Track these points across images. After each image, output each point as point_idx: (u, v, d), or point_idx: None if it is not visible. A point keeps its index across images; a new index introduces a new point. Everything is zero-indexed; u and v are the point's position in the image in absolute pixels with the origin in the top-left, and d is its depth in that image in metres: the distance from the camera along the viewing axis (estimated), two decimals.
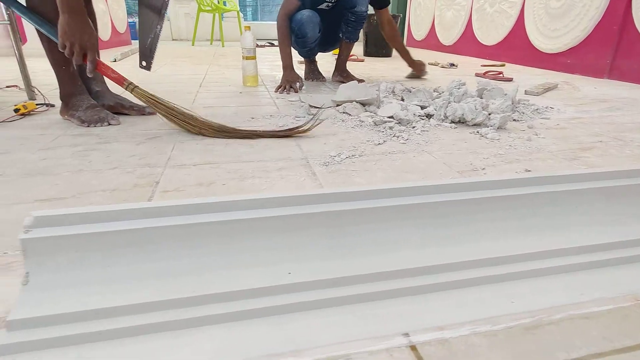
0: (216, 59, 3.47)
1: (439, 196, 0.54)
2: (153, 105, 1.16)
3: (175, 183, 0.83)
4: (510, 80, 2.35)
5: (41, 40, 1.14)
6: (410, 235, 0.51)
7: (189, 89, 1.95)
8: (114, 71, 1.15)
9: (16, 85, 1.74)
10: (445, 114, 1.33)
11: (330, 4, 2.02)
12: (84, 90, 1.25)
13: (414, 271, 0.49)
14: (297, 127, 1.15)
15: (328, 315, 0.45)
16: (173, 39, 6.11)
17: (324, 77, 2.30)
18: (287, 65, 1.97)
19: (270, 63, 3.15)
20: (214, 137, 1.14)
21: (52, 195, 0.75)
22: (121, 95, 1.39)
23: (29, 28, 3.03)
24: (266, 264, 0.49)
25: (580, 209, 0.59)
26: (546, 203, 0.58)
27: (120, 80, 1.15)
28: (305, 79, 2.30)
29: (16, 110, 1.30)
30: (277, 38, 2.00)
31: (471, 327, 0.44)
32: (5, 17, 1.48)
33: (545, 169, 0.94)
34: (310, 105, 1.50)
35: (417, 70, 2.37)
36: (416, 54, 4.35)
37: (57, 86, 1.23)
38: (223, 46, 4.88)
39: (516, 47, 3.26)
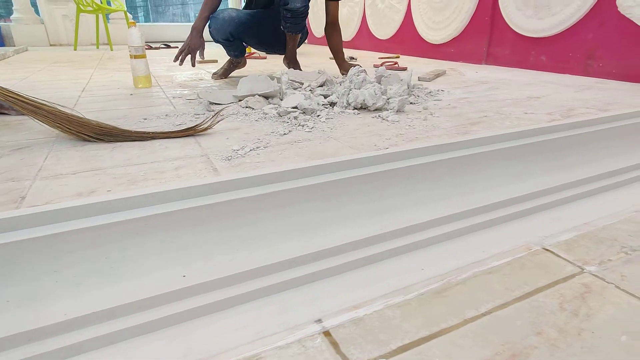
0: (103, 62, 3.14)
1: (348, 172, 0.52)
2: (12, 103, 0.98)
3: (47, 196, 0.70)
4: (405, 69, 2.50)
5: None
6: (315, 216, 0.48)
7: (69, 94, 1.71)
8: None
9: None
10: (348, 100, 1.34)
11: None
12: None
13: (324, 253, 0.46)
14: (195, 125, 1.07)
15: (233, 314, 0.40)
16: (51, 45, 5.41)
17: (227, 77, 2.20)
18: (194, 27, 1.83)
19: (166, 64, 2.94)
20: (97, 141, 1.00)
21: None
22: None
23: None
24: (157, 269, 0.42)
25: (478, 172, 0.62)
26: (446, 170, 0.60)
27: None
28: (212, 75, 2.18)
29: None
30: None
31: (384, 300, 0.42)
32: None
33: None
34: (211, 102, 1.41)
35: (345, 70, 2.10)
36: (316, 50, 4.44)
37: None
38: (112, 49, 4.45)
39: (407, 39, 3.49)
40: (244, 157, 0.90)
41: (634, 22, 1.84)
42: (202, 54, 1.82)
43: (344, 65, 2.15)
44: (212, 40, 2.03)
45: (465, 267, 0.49)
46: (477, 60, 2.81)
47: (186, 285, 0.41)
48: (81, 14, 4.36)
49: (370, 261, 0.48)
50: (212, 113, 1.29)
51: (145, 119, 1.24)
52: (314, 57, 3.58)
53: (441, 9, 3.03)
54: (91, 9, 4.29)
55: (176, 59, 1.79)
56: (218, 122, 1.11)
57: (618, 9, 1.89)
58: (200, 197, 0.42)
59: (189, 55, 1.80)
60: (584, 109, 1.40)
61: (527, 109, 1.40)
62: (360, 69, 1.44)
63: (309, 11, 1.97)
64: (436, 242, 0.53)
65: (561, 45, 2.23)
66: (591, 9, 2.03)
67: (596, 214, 0.62)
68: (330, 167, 0.51)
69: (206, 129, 1.07)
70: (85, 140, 1.01)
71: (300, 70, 2.06)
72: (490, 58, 2.74)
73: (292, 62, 2.14)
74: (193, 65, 1.82)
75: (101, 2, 4.40)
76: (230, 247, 0.44)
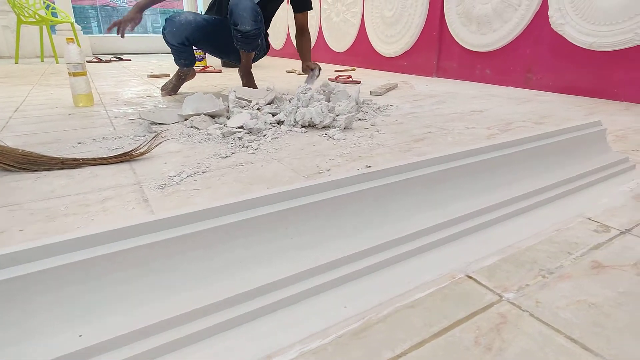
0: (46, 77, 2.97)
1: (268, 207, 0.50)
2: None
3: None
4: (358, 82, 2.53)
5: None
6: (231, 257, 0.46)
7: None
8: None
9: None
10: (295, 119, 1.33)
11: None
12: None
13: (239, 298, 0.44)
14: (131, 150, 1.02)
15: None
16: None
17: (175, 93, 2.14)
18: (136, 4, 1.81)
19: (115, 79, 2.83)
20: (21, 170, 0.93)
21: None
22: None
23: None
24: (49, 329, 0.38)
25: (405, 199, 0.62)
26: (372, 199, 0.59)
27: None
28: (161, 90, 2.10)
29: None
30: None
31: (301, 346, 0.41)
32: None
33: (383, 163, 1.00)
34: (152, 122, 1.36)
35: (305, 71, 2.23)
36: (275, 63, 4.44)
37: None
38: (57, 62, 4.23)
39: (362, 52, 3.56)
40: (179, 184, 0.86)
41: (565, 38, 1.96)
42: (132, 27, 1.78)
43: (307, 63, 2.19)
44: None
45: (388, 301, 0.48)
46: (428, 73, 2.90)
47: (82, 346, 0.37)
48: (23, 25, 4.12)
49: (291, 302, 0.46)
50: (153, 134, 1.24)
51: (79, 142, 1.17)
52: (272, 70, 3.57)
53: (392, 23, 3.11)
54: (34, 20, 4.07)
55: (108, 29, 1.76)
56: (157, 145, 1.06)
57: (551, 26, 2.02)
58: (94, 248, 0.39)
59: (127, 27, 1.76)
60: (521, 122, 1.47)
61: (469, 123, 1.45)
62: (308, 86, 1.44)
63: (264, 31, 1.96)
64: (362, 275, 0.52)
65: (503, 60, 2.35)
66: (528, 26, 2.15)
67: (520, 235, 0.64)
68: (249, 204, 0.49)
69: (143, 153, 1.02)
70: (6, 170, 0.93)
71: (255, 84, 2.03)
72: (440, 71, 2.83)
73: (246, 76, 2.09)
74: (121, 35, 1.77)
75: (45, 14, 4.18)
76: (132, 300, 0.41)
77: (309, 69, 2.18)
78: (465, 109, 1.72)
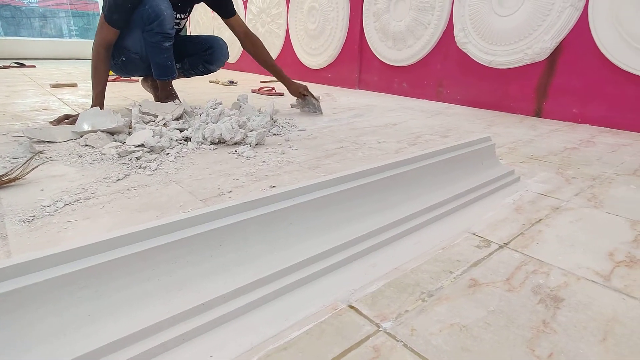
0: None
1: (124, 249, 0.45)
2: None
3: None
4: (281, 95, 2.51)
5: None
6: (78, 312, 0.40)
7: None
8: None
9: None
10: (204, 135, 1.27)
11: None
12: None
13: (85, 357, 0.38)
14: (0, 175, 0.88)
15: None
16: None
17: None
18: (95, 106, 1.45)
19: (9, 89, 2.52)
20: None
21: None
22: None
23: None
24: None
25: (291, 226, 0.60)
26: (255, 228, 0.56)
27: None
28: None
29: None
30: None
31: None
32: None
33: (289, 182, 0.97)
34: (38, 141, 1.21)
35: (296, 94, 1.87)
36: None
37: None
38: None
39: (288, 63, 3.55)
40: (52, 215, 0.76)
41: (469, 56, 2.12)
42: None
43: (294, 86, 1.87)
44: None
45: (261, 344, 0.45)
46: (351, 85, 2.98)
47: None
48: None
49: (151, 355, 0.41)
50: (31, 157, 1.10)
51: None
52: (194, 80, 3.43)
53: (316, 36, 3.15)
54: None
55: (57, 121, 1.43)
56: (33, 168, 0.94)
57: (457, 45, 2.17)
58: None
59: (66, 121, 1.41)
60: (429, 135, 1.54)
61: (382, 137, 1.49)
62: (218, 101, 1.38)
63: None
64: (236, 315, 0.48)
65: (418, 74, 2.47)
66: (437, 43, 2.29)
67: (408, 256, 0.64)
68: (109, 244, 0.43)
69: (15, 179, 0.89)
70: None
71: (177, 96, 1.86)
72: (362, 83, 2.92)
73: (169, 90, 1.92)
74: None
75: None
76: None
77: (302, 95, 1.87)
78: (380, 122, 1.77)
